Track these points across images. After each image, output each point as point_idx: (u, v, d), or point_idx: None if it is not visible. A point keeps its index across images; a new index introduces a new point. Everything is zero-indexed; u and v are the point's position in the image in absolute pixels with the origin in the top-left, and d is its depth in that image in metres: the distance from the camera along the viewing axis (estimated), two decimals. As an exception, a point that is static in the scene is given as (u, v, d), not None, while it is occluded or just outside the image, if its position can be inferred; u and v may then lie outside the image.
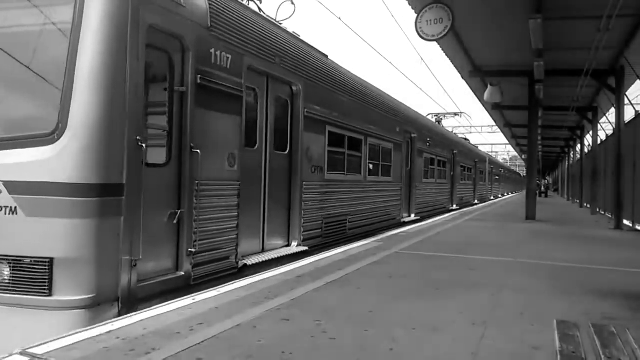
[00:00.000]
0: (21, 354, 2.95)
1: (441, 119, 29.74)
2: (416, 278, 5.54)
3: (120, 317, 3.75)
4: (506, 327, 3.73)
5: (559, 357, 3.07)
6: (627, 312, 4.28)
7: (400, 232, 10.44)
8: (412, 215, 14.39)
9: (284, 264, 6.22)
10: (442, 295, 4.72)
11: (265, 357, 3.00)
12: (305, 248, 7.51)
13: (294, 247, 7.42)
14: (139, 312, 3.89)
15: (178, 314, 3.82)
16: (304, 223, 7.64)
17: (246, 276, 5.39)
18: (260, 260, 6.28)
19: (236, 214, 5.81)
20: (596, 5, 8.94)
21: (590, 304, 4.54)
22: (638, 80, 13.82)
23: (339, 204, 9.08)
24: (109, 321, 3.61)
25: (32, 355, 2.92)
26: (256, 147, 6.61)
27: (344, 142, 9.46)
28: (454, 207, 20.80)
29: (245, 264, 5.97)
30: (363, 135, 10.35)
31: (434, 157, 16.98)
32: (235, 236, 5.80)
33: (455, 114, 31.45)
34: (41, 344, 3.08)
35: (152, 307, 4.03)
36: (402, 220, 13.23)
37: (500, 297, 4.71)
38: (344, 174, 9.42)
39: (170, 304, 4.13)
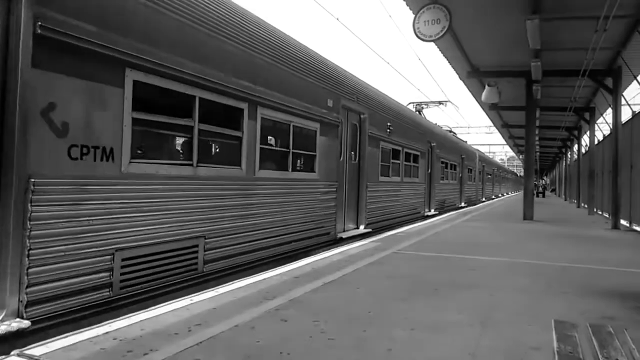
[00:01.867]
0: (19, 355, 2.94)
1: (422, 108, 25.96)
2: (415, 278, 5.54)
3: (118, 318, 3.72)
4: (504, 328, 3.74)
5: (556, 357, 3.08)
6: (624, 312, 4.29)
7: (399, 232, 10.44)
8: (361, 227, 10.63)
9: None
10: (441, 296, 4.73)
11: (263, 357, 3.00)
12: (26, 324, 3.58)
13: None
14: (137, 313, 3.87)
15: (176, 315, 3.81)
16: (30, 266, 3.69)
17: None
18: None
19: None
20: (593, 5, 8.97)
21: (588, 304, 4.55)
22: (635, 81, 13.85)
23: (172, 217, 5.13)
24: (107, 322, 3.60)
25: (30, 357, 2.92)
26: None
27: (188, 107, 5.37)
28: (432, 211, 17.29)
29: None
30: (244, 101, 6.29)
31: (399, 148, 13.29)
32: None
33: (440, 103, 27.15)
34: (39, 345, 3.07)
35: (150, 308, 4.01)
36: (340, 236, 9.40)
37: (499, 298, 4.72)
38: (190, 164, 5.40)
39: (167, 304, 4.12)
